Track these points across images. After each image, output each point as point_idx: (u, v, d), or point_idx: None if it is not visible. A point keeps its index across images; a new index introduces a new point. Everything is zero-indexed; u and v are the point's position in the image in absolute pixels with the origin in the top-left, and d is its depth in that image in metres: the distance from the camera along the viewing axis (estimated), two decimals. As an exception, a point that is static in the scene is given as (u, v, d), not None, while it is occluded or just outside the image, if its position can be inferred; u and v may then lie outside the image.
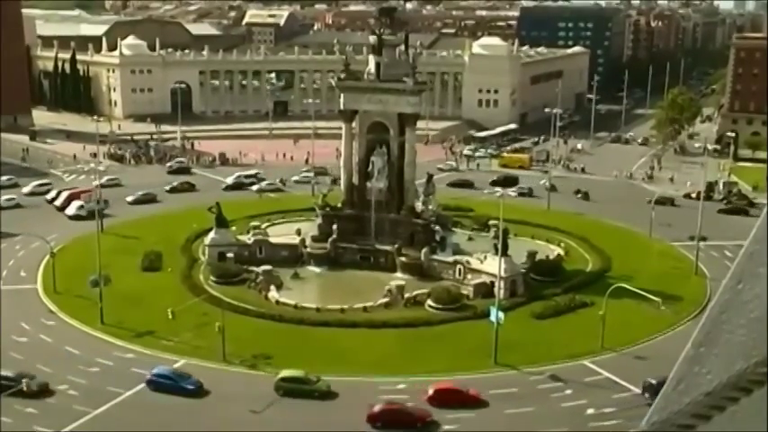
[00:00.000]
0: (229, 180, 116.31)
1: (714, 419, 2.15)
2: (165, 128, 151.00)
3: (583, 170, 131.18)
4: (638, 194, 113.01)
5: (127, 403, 53.27)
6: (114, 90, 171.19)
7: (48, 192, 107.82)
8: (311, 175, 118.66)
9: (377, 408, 50.83)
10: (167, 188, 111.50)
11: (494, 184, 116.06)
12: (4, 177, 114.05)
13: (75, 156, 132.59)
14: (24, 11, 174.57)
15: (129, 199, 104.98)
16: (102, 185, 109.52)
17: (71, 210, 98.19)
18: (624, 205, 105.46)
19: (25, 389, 52.75)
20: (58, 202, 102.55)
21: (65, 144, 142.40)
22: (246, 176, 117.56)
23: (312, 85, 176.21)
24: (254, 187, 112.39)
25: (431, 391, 53.56)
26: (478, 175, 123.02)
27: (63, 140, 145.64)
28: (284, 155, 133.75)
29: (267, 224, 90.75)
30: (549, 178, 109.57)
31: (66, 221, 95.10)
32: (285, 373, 55.28)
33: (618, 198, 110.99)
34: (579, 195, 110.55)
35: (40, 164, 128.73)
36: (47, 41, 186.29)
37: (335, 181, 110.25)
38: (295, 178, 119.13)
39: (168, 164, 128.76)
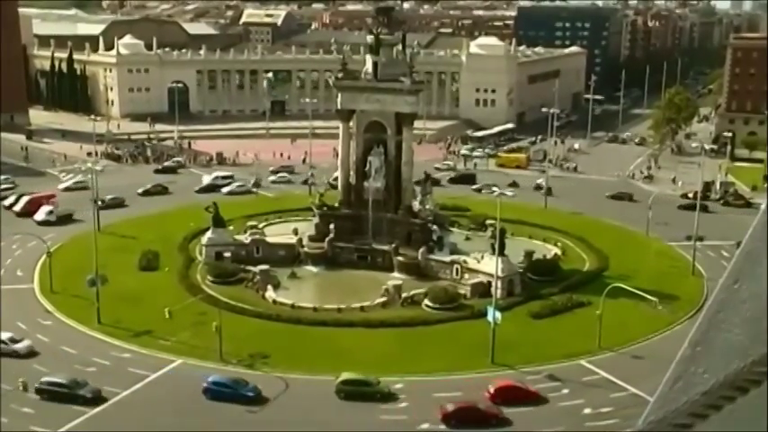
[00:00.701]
0: (205, 181, 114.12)
1: (711, 418, 2.15)
2: (162, 127, 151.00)
3: (575, 169, 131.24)
4: (600, 190, 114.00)
5: (124, 403, 53.22)
6: (111, 89, 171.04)
7: (6, 197, 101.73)
8: (287, 175, 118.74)
9: (450, 407, 51.33)
10: (140, 191, 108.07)
11: (451, 181, 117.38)
12: (2, 177, 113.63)
13: (65, 156, 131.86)
14: (21, 10, 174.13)
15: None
16: (69, 189, 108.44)
17: (40, 215, 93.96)
18: (582, 199, 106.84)
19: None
20: (17, 208, 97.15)
21: (62, 143, 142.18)
22: (224, 177, 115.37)
23: (309, 84, 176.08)
24: (225, 189, 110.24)
25: (492, 389, 54.09)
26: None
27: (59, 140, 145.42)
28: (281, 154, 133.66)
29: (264, 224, 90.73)
30: (546, 178, 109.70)
31: (34, 228, 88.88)
32: (345, 375, 55.00)
33: (579, 193, 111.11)
34: (542, 191, 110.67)
35: (36, 163, 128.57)
36: (43, 40, 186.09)
37: (308, 181, 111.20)
38: (271, 179, 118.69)
39: (165, 163, 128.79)
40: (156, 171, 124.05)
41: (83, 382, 54.08)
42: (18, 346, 59.94)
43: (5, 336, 60.64)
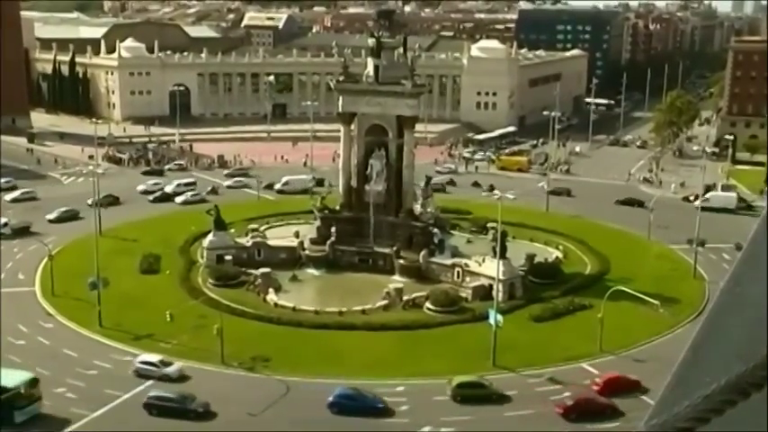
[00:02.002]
0: (169, 189, 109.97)
1: (712, 422, 2.15)
2: (162, 130, 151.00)
3: (567, 171, 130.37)
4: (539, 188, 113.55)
5: (125, 406, 53.14)
6: (113, 92, 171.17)
7: None
8: (243, 179, 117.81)
9: (569, 401, 52.50)
10: (89, 202, 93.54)
11: None
12: (3, 179, 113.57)
13: (56, 159, 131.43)
14: (23, 13, 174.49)
15: (51, 216, 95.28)
16: (16, 200, 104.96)
17: None
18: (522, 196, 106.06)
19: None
20: None
21: (64, 146, 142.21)
22: (186, 185, 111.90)
23: (311, 87, 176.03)
24: (178, 199, 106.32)
25: (600, 381, 55.43)
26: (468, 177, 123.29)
27: (60, 142, 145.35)
28: (281, 157, 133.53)
29: (265, 227, 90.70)
30: (547, 181, 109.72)
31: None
32: (460, 379, 55.44)
33: (519, 190, 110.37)
34: (484, 189, 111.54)
35: (38, 166, 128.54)
36: (45, 44, 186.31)
37: (271, 186, 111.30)
38: (227, 183, 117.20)
39: (167, 165, 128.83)
40: (144, 173, 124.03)
41: (191, 396, 52.81)
42: (169, 370, 57.06)
43: (155, 358, 57.95)
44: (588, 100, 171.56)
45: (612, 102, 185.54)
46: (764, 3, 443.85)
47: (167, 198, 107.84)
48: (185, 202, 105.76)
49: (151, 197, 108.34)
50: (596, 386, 55.45)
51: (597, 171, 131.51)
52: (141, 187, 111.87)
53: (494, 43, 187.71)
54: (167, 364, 57.87)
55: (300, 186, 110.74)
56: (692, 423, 2.36)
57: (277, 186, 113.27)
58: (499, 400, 54.64)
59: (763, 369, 2.48)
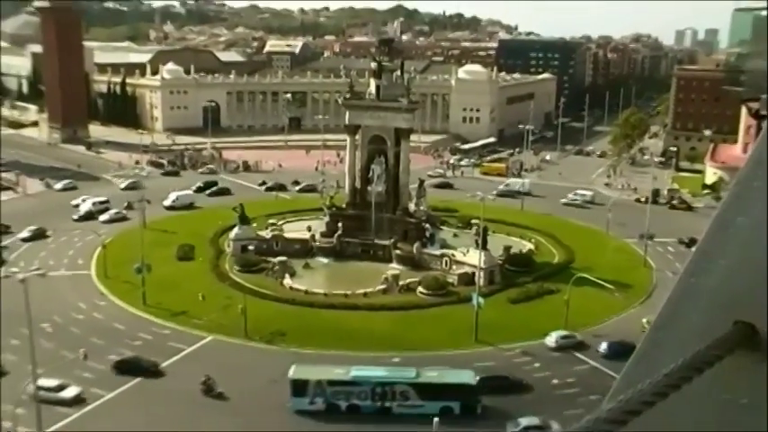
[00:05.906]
0: (83, 208, 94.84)
1: (670, 397, 2.05)
2: (196, 139, 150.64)
3: (516, 174, 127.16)
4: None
5: (164, 372, 53.12)
6: (156, 108, 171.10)
7: None
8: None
9: None
10: None
11: (268, 189, 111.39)
12: (65, 181, 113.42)
13: (78, 166, 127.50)
14: (84, 43, 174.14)
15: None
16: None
17: None
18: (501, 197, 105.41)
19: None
20: None
21: (113, 153, 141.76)
22: (101, 203, 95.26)
23: (322, 103, 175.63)
24: (102, 218, 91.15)
25: None
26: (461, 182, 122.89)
27: (113, 150, 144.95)
28: (279, 165, 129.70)
29: (283, 222, 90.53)
30: (522, 184, 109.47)
31: None
32: None
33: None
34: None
35: (93, 169, 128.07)
36: (102, 68, 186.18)
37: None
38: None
39: (200, 169, 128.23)
40: (164, 174, 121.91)
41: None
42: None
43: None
44: (581, 122, 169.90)
45: (568, 119, 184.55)
46: (700, 38, 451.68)
47: (90, 217, 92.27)
48: (111, 220, 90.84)
49: (75, 216, 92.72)
50: None
51: (565, 176, 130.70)
52: (84, 206, 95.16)
53: (477, 67, 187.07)
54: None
55: (188, 201, 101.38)
56: (654, 398, 2.22)
57: (166, 203, 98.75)
58: None
59: (715, 349, 2.36)
